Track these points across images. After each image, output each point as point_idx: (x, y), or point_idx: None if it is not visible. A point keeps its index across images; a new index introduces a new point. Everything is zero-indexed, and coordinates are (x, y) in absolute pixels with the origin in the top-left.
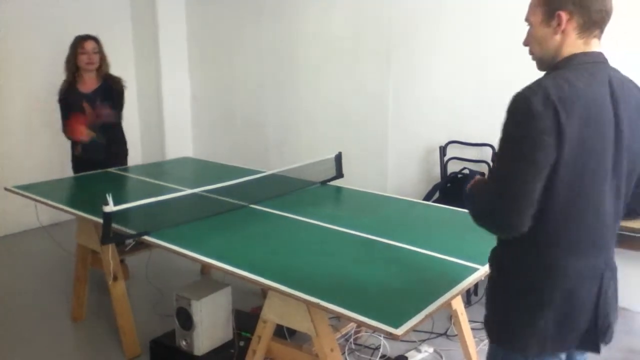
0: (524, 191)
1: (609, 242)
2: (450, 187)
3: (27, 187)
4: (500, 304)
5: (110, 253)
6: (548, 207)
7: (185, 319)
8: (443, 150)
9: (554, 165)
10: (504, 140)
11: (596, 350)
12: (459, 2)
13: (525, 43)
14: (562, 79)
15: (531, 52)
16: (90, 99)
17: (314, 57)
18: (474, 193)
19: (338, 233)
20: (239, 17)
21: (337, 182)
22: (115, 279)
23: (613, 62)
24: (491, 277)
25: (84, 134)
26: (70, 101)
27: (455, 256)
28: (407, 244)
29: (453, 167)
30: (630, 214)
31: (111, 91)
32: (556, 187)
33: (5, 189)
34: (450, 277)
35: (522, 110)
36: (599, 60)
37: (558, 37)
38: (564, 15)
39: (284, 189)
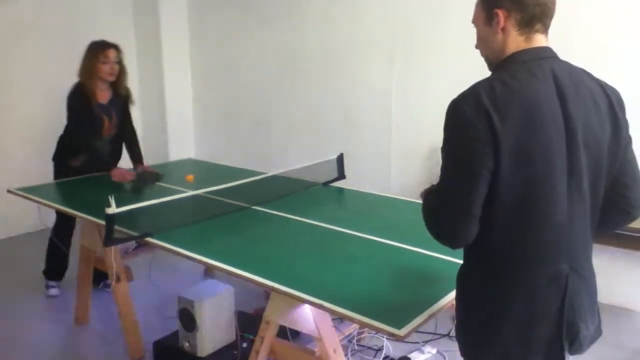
0: (463, 202)
1: (574, 245)
2: None
3: (30, 190)
4: (463, 317)
5: (113, 255)
6: (494, 216)
7: (188, 321)
8: None
9: (494, 173)
10: (443, 146)
11: None
12: (462, 3)
13: (476, 46)
14: (497, 81)
15: (481, 54)
16: (106, 110)
17: (317, 58)
18: (424, 203)
19: (340, 234)
20: (241, 18)
21: (341, 183)
22: (118, 280)
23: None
24: (457, 292)
25: (128, 178)
26: (92, 112)
27: (458, 257)
28: (409, 244)
29: None
30: (604, 225)
31: (125, 102)
32: (499, 196)
33: (8, 191)
34: (453, 277)
35: (453, 117)
36: (541, 56)
37: (500, 35)
38: (501, 13)
39: (286, 190)
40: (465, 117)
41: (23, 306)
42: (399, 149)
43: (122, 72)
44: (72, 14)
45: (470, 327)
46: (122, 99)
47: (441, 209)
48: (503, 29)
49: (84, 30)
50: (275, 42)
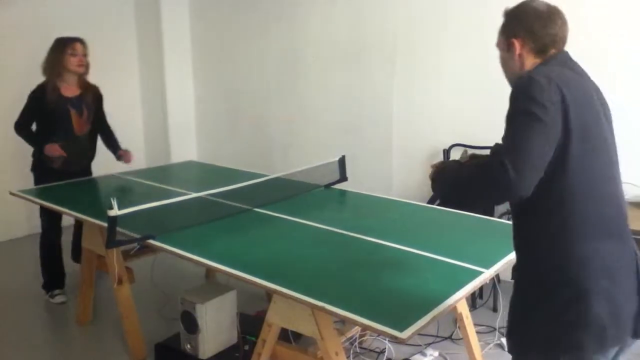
0: (529, 148)
1: (627, 226)
2: None
3: (32, 192)
4: (541, 301)
5: (115, 257)
6: (567, 190)
7: (190, 323)
8: (447, 152)
9: (564, 143)
10: (510, 114)
11: None
12: (464, 4)
13: (501, 65)
14: (547, 70)
15: (504, 74)
16: (75, 105)
17: (318, 60)
18: (465, 169)
19: (342, 236)
20: (243, 21)
21: (342, 185)
22: (120, 282)
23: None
24: (517, 286)
25: (59, 151)
26: (54, 105)
27: (460, 259)
28: (411, 247)
29: None
30: None
31: (96, 98)
32: (569, 164)
33: (11, 193)
34: (455, 280)
35: (528, 85)
36: (562, 58)
37: (517, 61)
38: (517, 43)
39: (288, 192)
40: (541, 84)
41: (25, 307)
42: (400, 150)
43: (86, 67)
44: (73, 16)
45: (549, 312)
46: (91, 95)
47: (512, 154)
48: (520, 55)
49: (86, 32)
50: (277, 43)
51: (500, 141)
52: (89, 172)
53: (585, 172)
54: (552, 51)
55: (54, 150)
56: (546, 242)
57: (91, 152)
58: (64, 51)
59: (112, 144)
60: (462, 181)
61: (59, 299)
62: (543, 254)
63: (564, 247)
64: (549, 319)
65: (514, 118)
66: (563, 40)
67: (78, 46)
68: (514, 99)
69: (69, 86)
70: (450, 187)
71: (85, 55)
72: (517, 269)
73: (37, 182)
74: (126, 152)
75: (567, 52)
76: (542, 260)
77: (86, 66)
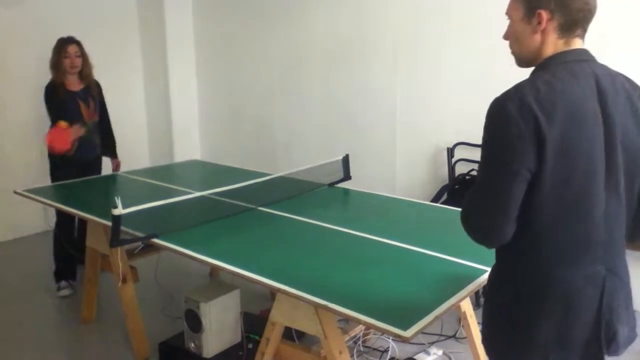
0: (502, 199)
1: (610, 246)
2: (458, 189)
3: (36, 191)
4: (496, 317)
5: (119, 256)
6: (534, 216)
7: (194, 321)
8: (451, 151)
9: (537, 172)
10: (482, 145)
11: None
12: (466, 2)
13: (505, 37)
14: (541, 81)
15: (511, 49)
16: (82, 97)
17: (321, 59)
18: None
19: (346, 235)
20: (246, 20)
21: (345, 184)
22: (124, 281)
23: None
24: (488, 293)
25: (69, 141)
26: (62, 99)
27: (463, 258)
28: (415, 245)
29: (461, 169)
30: (637, 235)
31: (99, 90)
32: (540, 195)
33: (15, 192)
34: (459, 278)
35: (497, 115)
36: (582, 58)
37: (538, 36)
38: (544, 14)
39: (292, 191)
40: (510, 115)
41: (29, 306)
42: (403, 150)
43: (85, 65)
44: (76, 16)
45: (504, 328)
46: (94, 88)
47: (477, 209)
48: (543, 31)
49: (89, 32)
50: (280, 43)
51: None
52: (100, 163)
53: (557, 198)
54: (578, 32)
55: (76, 130)
56: (511, 261)
57: (101, 139)
58: (59, 53)
59: (108, 146)
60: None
61: (63, 292)
62: (512, 268)
63: (525, 268)
64: (502, 334)
65: (482, 157)
66: (592, 19)
67: (70, 48)
68: (484, 126)
69: (72, 82)
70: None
71: (79, 55)
72: (491, 271)
73: (52, 170)
74: (118, 165)
75: (581, 52)
76: (509, 273)
77: (84, 64)
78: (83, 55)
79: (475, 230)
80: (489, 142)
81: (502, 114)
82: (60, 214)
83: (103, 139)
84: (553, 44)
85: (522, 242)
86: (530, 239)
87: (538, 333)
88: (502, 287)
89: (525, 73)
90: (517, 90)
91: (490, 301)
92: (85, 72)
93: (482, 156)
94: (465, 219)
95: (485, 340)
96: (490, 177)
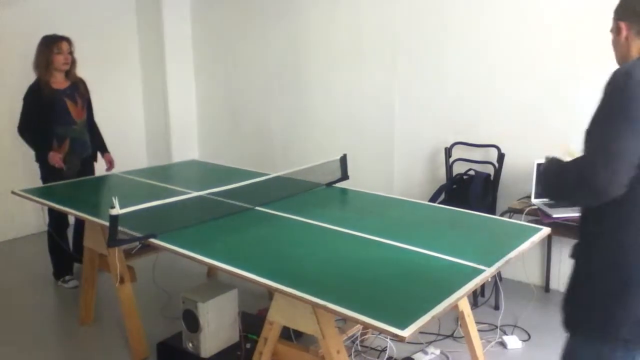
0: (624, 149)
1: None
2: (456, 189)
3: (34, 191)
4: (587, 290)
5: (117, 256)
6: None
7: (192, 321)
8: (448, 151)
9: None
10: (602, 107)
11: None
12: (464, 3)
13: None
14: None
15: (615, 55)
16: (69, 95)
17: (320, 59)
18: (559, 168)
19: (344, 235)
20: (244, 20)
21: (344, 184)
22: (122, 281)
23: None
24: (577, 263)
25: (59, 163)
26: (49, 98)
27: (461, 257)
28: (413, 245)
29: (458, 169)
30: None
31: (86, 88)
32: None
33: (13, 192)
34: (457, 278)
35: (623, 79)
36: None
37: (624, 42)
38: (624, 26)
39: (290, 191)
40: (637, 77)
41: (27, 306)
42: (402, 149)
43: (73, 63)
44: (75, 16)
45: (596, 300)
46: (81, 86)
47: (603, 156)
48: (626, 38)
49: (87, 31)
50: (278, 43)
51: (499, 139)
52: (92, 161)
53: None
54: None
55: (55, 160)
56: (617, 218)
57: (91, 140)
58: (50, 50)
59: (97, 140)
60: (555, 180)
61: (72, 283)
62: (604, 237)
63: (621, 231)
64: (592, 304)
65: (601, 115)
66: None
67: (63, 45)
68: (607, 94)
69: (57, 81)
70: (547, 185)
71: (70, 53)
72: (577, 246)
73: (43, 178)
74: (111, 160)
75: None
76: (600, 242)
77: (72, 63)
78: (72, 53)
79: (593, 179)
80: (613, 100)
81: (630, 77)
82: (52, 212)
83: (91, 137)
84: (637, 48)
85: (629, 205)
86: (634, 203)
87: (631, 301)
88: (597, 255)
89: (524, 75)
90: (634, 65)
91: (580, 272)
92: (72, 70)
93: (602, 113)
94: (583, 167)
95: (571, 317)
96: (613, 128)
